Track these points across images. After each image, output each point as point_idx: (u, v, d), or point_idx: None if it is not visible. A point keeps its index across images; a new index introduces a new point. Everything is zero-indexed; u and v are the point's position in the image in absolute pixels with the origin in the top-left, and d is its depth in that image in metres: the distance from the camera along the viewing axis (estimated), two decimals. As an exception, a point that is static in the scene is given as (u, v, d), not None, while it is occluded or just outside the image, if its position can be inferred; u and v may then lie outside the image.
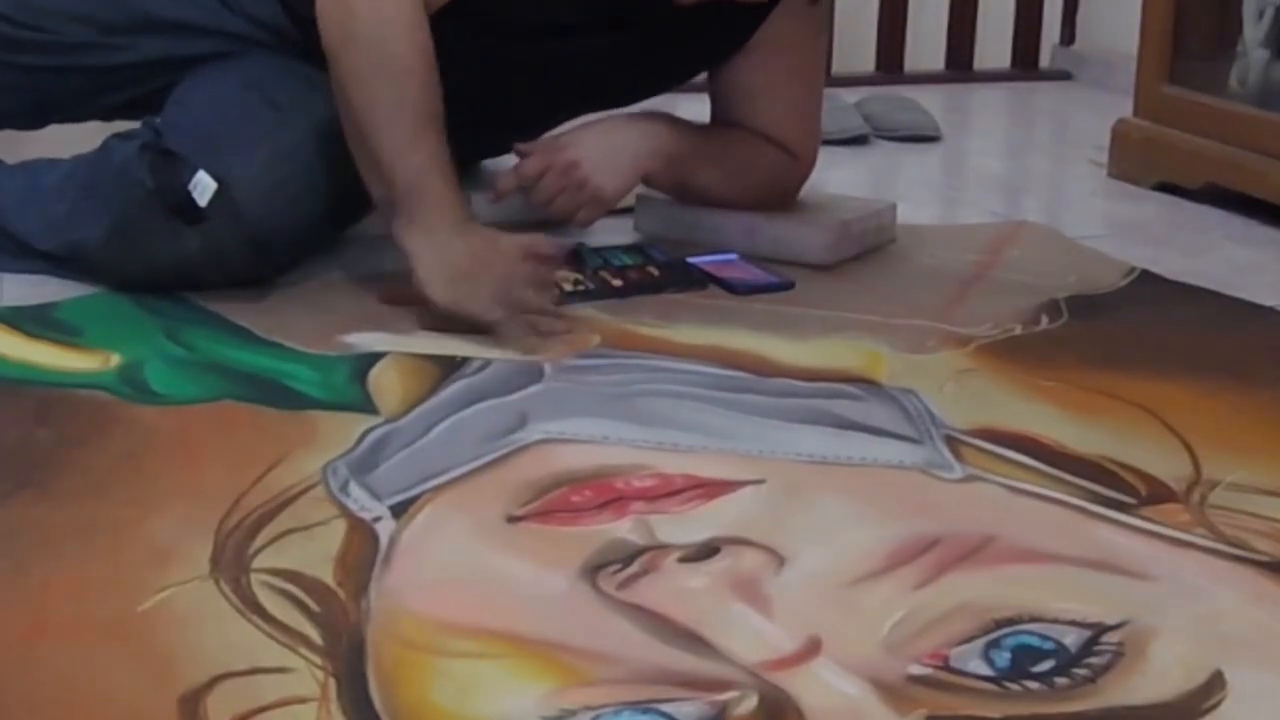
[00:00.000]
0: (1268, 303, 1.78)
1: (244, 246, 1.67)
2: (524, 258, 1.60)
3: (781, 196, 1.95)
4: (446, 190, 1.60)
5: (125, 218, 1.68)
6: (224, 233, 1.65)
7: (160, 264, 1.69)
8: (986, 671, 1.00)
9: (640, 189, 2.04)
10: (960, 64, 3.40)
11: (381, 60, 1.59)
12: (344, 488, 1.25)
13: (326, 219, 1.75)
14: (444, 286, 1.58)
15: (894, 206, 2.02)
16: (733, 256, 1.87)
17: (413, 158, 1.59)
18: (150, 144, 1.69)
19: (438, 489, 1.25)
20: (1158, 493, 1.27)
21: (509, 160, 1.87)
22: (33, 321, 1.61)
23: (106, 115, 1.91)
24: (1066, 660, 1.01)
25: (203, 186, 1.64)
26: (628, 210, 2.02)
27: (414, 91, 1.59)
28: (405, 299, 1.67)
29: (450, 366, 1.51)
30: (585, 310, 1.69)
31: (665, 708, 0.95)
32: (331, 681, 0.98)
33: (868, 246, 1.94)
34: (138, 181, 1.67)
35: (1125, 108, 2.43)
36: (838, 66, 3.31)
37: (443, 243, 1.58)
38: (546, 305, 1.62)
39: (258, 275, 1.72)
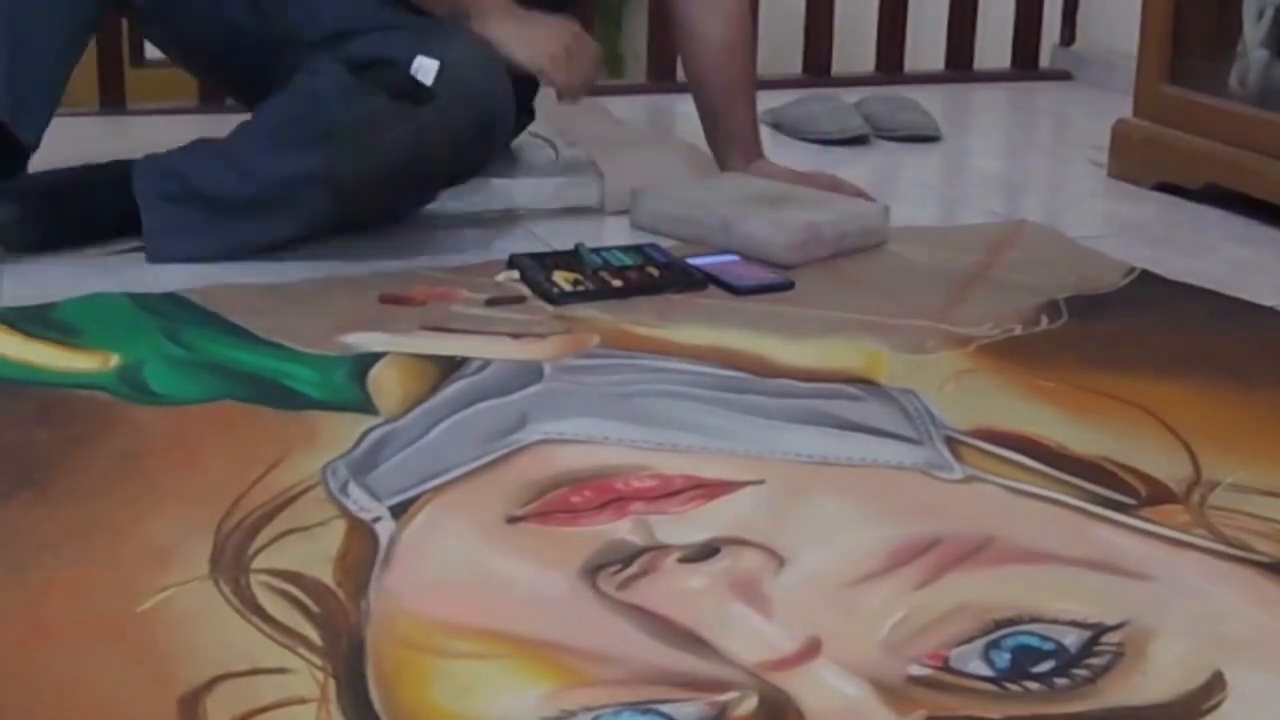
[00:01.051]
0: (1268, 303, 1.78)
1: (474, 115, 1.79)
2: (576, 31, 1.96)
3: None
4: None
5: (349, 120, 1.76)
6: (455, 104, 1.76)
7: (395, 151, 1.76)
8: (986, 672, 1.00)
9: (636, 184, 2.05)
10: (960, 64, 3.39)
11: None
12: (343, 488, 1.25)
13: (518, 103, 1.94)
14: (528, 51, 1.89)
15: (885, 209, 2.00)
16: (733, 257, 1.87)
17: None
18: (346, 60, 1.78)
19: (437, 489, 1.25)
20: (1157, 493, 1.27)
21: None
22: (32, 321, 1.61)
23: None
24: (1066, 661, 1.01)
25: (425, 68, 1.74)
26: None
27: None
28: (405, 299, 1.67)
29: (450, 366, 1.51)
30: (585, 310, 1.69)
31: (665, 708, 0.95)
32: (331, 682, 0.98)
33: (846, 249, 1.92)
34: (353, 86, 1.75)
35: (1125, 108, 2.43)
36: (838, 66, 3.32)
37: (520, 19, 1.91)
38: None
39: (482, 158, 1.88)
